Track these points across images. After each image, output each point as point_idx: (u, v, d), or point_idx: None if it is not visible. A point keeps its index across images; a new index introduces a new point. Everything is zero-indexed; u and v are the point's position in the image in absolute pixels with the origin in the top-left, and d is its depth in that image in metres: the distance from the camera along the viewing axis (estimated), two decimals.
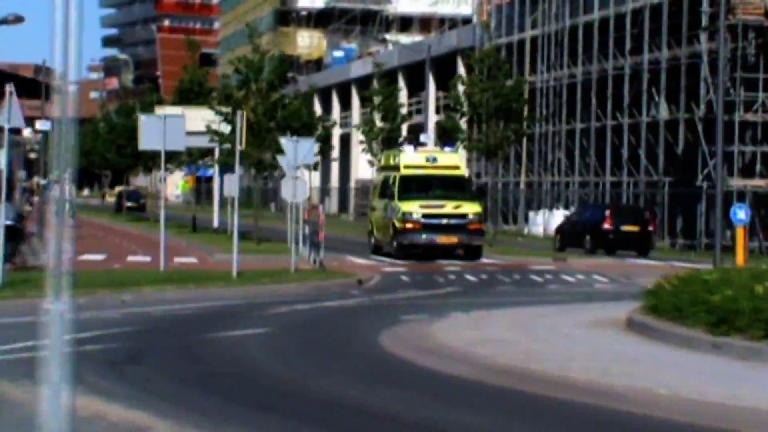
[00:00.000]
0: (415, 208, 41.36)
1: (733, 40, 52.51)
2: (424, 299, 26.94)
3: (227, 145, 47.15)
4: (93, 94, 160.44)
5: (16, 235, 31.44)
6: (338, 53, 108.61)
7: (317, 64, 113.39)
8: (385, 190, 44.54)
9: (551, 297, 27.84)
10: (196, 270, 32.11)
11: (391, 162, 46.09)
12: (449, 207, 41.77)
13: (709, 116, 52.51)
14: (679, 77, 56.35)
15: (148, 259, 38.17)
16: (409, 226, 40.94)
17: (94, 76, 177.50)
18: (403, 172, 43.49)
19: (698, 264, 39.33)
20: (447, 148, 47.25)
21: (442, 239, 41.24)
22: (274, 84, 47.73)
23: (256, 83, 47.18)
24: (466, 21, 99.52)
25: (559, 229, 51.40)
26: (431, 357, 16.68)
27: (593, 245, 46.93)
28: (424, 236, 41.06)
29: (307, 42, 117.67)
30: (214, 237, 53.38)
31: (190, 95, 61.03)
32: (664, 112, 58.52)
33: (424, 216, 41.20)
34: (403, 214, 41.20)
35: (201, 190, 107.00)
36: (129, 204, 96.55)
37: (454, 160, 45.19)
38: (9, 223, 27.83)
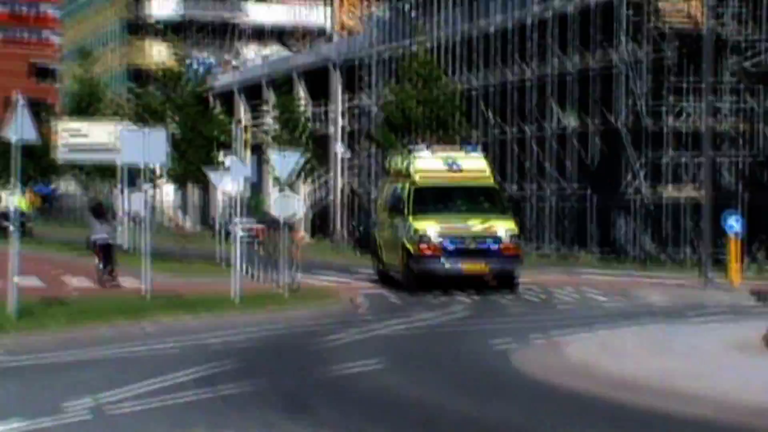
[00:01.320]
0: (432, 227, 32.36)
1: (656, 47, 51.83)
2: (461, 321, 25.08)
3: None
4: None
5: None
6: (194, 66, 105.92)
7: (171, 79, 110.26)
8: (394, 203, 35.82)
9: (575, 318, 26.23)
10: (186, 295, 29.54)
11: (402, 167, 36.59)
12: (477, 226, 32.87)
13: (634, 124, 51.88)
14: (588, 87, 55.47)
15: (90, 284, 35.48)
16: (425, 250, 32.14)
17: None
18: (418, 181, 34.32)
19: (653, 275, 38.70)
20: (470, 149, 37.28)
21: (469, 267, 32.28)
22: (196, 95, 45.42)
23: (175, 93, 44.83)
24: (321, 32, 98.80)
25: None
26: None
27: None
28: (445, 264, 32.15)
29: (160, 53, 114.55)
30: (123, 257, 50.44)
31: (81, 106, 58.34)
32: (573, 122, 57.65)
33: (445, 237, 32.46)
34: (419, 235, 32.46)
35: (46, 207, 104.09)
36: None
37: (481, 165, 35.44)
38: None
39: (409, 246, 32.55)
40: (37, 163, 73.29)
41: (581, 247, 55.37)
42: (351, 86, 75.78)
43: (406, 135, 49.39)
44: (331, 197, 75.00)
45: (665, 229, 51.12)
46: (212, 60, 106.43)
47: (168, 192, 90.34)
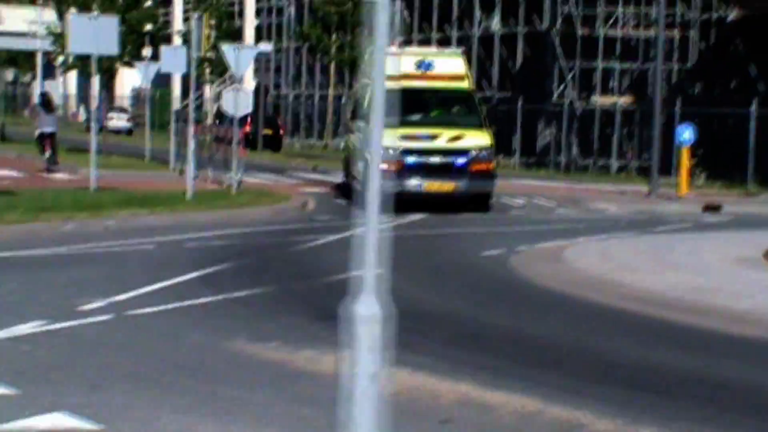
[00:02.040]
0: (392, 140, 25.80)
1: None
2: (432, 227, 24.46)
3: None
4: None
5: None
6: None
7: None
8: (359, 109, 30.19)
9: (564, 226, 25.77)
10: (130, 190, 28.52)
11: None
12: (444, 138, 28.14)
13: (566, 30, 51.40)
14: None
15: (15, 174, 34.44)
16: (384, 166, 28.56)
17: None
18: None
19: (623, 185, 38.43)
20: (448, 49, 33.50)
21: (431, 186, 27.61)
22: None
23: None
24: None
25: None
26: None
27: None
28: (405, 182, 26.98)
29: None
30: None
31: None
32: (496, 26, 57.07)
33: (406, 152, 27.36)
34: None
35: None
36: None
37: (457, 67, 30.07)
38: None
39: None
40: None
41: (505, 155, 54.98)
42: None
43: (341, 35, 48.44)
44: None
45: (593, 138, 50.86)
46: None
47: (73, 84, 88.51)
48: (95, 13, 31.06)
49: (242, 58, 28.56)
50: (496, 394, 9.76)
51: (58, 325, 11.93)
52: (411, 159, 27.45)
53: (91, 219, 22.18)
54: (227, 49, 28.94)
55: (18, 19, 47.62)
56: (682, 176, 34.17)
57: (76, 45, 27.36)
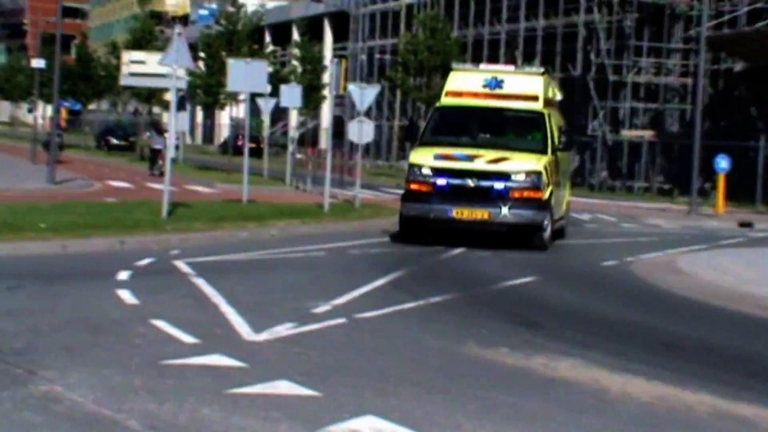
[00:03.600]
0: (427, 158, 19.94)
1: (610, 12, 50.23)
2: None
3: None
4: None
5: None
6: (203, 11, 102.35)
7: (184, 21, 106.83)
8: (416, 130, 25.16)
9: (634, 239, 24.45)
10: (274, 202, 27.35)
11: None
12: (484, 159, 19.89)
13: (598, 76, 50.26)
14: (551, 44, 53.66)
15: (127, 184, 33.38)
16: (414, 187, 19.94)
17: None
18: (443, 100, 21.99)
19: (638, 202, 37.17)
20: (528, 68, 25.06)
21: (462, 212, 19.48)
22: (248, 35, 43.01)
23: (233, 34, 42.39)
24: None
25: None
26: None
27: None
28: (434, 206, 19.57)
29: (173, 0, 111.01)
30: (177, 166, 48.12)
31: (141, 42, 55.55)
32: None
33: (438, 173, 19.72)
34: (411, 168, 20.25)
35: (72, 122, 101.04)
36: (115, 141, 71.23)
37: (532, 86, 21.53)
38: None
39: (404, 183, 21.23)
40: (95, 86, 71.14)
41: None
42: (340, 36, 73.58)
43: (419, 77, 47.30)
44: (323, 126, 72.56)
45: (621, 164, 49.77)
46: (216, 6, 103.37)
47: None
48: (248, 59, 29.89)
49: (365, 95, 27.38)
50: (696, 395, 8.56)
51: (306, 328, 10.74)
52: (442, 181, 19.51)
53: (258, 228, 21.03)
54: (353, 88, 27.76)
55: (156, 62, 46.52)
56: (719, 197, 32.83)
57: (234, 84, 26.34)
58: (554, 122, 21.29)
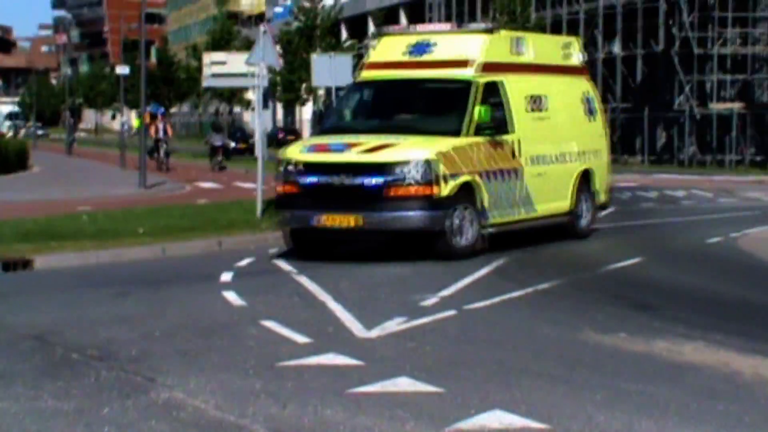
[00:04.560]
0: (298, 151, 15.87)
1: None
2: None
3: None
4: (44, 48, 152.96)
5: None
6: (278, 9, 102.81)
7: (259, 19, 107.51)
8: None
9: (732, 214, 23.89)
10: None
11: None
12: (360, 148, 15.39)
13: (683, 50, 49.41)
14: (631, 20, 52.86)
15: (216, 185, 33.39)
16: (280, 189, 15.89)
17: (45, 33, 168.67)
18: (362, 75, 17.61)
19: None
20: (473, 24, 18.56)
21: (329, 219, 15.17)
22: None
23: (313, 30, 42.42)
24: None
25: None
26: None
27: None
28: (297, 212, 15.47)
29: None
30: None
31: (221, 42, 55.99)
32: (618, 49, 55.12)
33: (305, 168, 15.50)
34: (279, 164, 15.95)
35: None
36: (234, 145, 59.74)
37: (466, 49, 16.57)
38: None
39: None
40: (177, 89, 71.98)
41: (630, 154, 53.11)
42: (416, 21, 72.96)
43: None
44: None
45: (710, 138, 48.86)
46: (290, 2, 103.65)
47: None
48: (332, 53, 29.78)
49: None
50: None
51: (417, 322, 10.57)
52: (309, 179, 15.34)
53: None
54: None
55: (238, 62, 46.48)
56: None
57: (318, 79, 26.20)
58: (510, 93, 16.49)
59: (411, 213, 14.92)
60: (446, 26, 18.09)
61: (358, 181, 14.96)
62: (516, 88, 16.77)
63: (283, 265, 14.90)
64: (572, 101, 18.24)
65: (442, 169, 15.08)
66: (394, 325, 10.39)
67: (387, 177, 14.88)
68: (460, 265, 14.59)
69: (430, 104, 16.50)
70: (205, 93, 64.61)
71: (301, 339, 9.75)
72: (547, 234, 17.53)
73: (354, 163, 15.08)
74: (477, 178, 15.63)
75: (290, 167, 15.50)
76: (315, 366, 8.74)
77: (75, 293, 12.60)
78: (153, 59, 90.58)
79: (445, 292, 12.25)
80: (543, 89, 17.39)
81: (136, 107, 71.41)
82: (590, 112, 18.62)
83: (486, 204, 15.78)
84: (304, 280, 13.23)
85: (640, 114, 52.04)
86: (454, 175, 15.24)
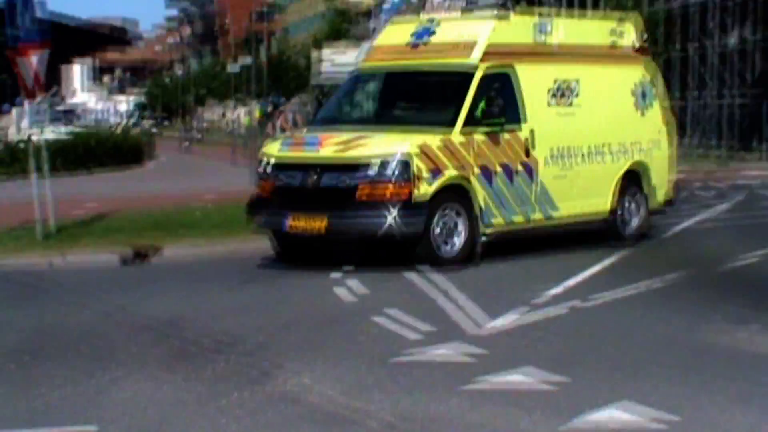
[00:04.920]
0: (276, 148, 14.53)
1: None
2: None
3: None
4: (170, 40, 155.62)
5: None
6: (386, 5, 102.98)
7: (366, 15, 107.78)
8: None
9: None
10: None
11: None
12: (334, 143, 13.89)
13: None
14: (746, 12, 51.64)
15: None
16: (258, 189, 14.60)
17: (160, 30, 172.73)
18: (361, 64, 16.86)
19: None
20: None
21: (298, 222, 13.64)
22: None
23: None
24: None
25: None
26: None
27: None
28: (268, 215, 14.10)
29: None
30: None
31: (337, 35, 56.45)
32: (734, 39, 53.99)
33: (280, 166, 14.09)
34: (259, 162, 14.64)
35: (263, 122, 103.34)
36: None
37: (471, 33, 14.87)
38: None
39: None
40: (294, 81, 72.64)
41: (744, 150, 51.89)
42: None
43: None
44: None
45: None
46: None
47: None
48: None
49: None
50: None
51: (540, 313, 10.42)
52: (282, 178, 14.02)
53: None
54: None
55: (348, 57, 46.73)
56: None
57: None
58: (525, 82, 14.77)
59: (384, 217, 13.19)
60: (456, 13, 15.95)
61: (327, 180, 13.51)
62: (533, 77, 14.96)
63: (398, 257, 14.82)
64: (617, 90, 16.24)
65: (424, 166, 13.42)
66: (517, 316, 10.26)
67: (358, 176, 13.31)
68: (580, 258, 14.32)
69: (427, 95, 15.04)
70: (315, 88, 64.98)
71: (417, 332, 9.67)
72: (660, 231, 17.10)
73: (324, 160, 13.65)
74: (472, 176, 13.90)
75: (266, 165, 14.19)
76: (432, 359, 8.65)
77: (199, 283, 12.67)
78: (268, 53, 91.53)
79: (565, 285, 12.04)
80: (573, 77, 15.52)
81: (258, 97, 71.62)
82: (644, 102, 16.56)
83: (485, 206, 14.03)
84: (417, 273, 13.10)
85: (760, 107, 50.82)
86: (438, 174, 13.56)
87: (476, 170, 13.97)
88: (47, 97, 19.17)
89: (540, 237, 15.12)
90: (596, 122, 15.76)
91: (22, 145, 27.24)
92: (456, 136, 13.88)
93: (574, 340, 9.33)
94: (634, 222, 16.26)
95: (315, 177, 13.51)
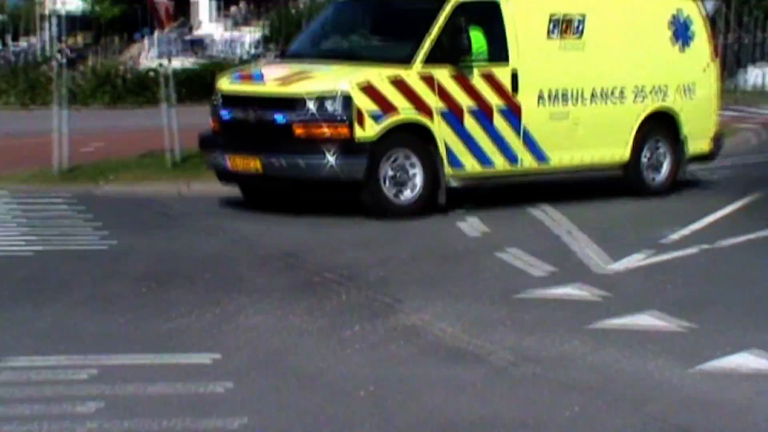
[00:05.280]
0: (227, 81, 13.40)
1: None
2: None
3: None
4: None
5: None
6: None
7: None
8: None
9: None
10: None
11: None
12: (276, 76, 12.96)
13: None
14: None
15: None
16: (210, 125, 13.46)
17: None
18: None
19: None
20: None
21: (236, 161, 12.68)
22: None
23: None
24: None
25: None
26: None
27: None
28: (214, 153, 13.13)
29: None
30: None
31: None
32: None
33: (225, 100, 13.02)
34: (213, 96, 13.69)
35: None
36: None
37: None
38: None
39: None
40: None
41: None
42: None
43: None
44: None
45: None
46: None
47: None
48: None
49: None
50: None
51: (664, 256, 10.23)
52: (226, 113, 13.01)
53: None
54: None
55: None
56: None
57: None
58: (513, 12, 13.12)
59: (321, 159, 12.05)
60: None
61: (265, 117, 12.45)
62: (526, 7, 13.35)
63: (519, 195, 14.70)
64: (647, 21, 14.26)
65: (368, 105, 12.17)
66: (640, 258, 10.11)
67: (295, 113, 12.21)
68: (705, 201, 13.97)
69: (396, 26, 13.53)
70: None
71: (541, 269, 9.62)
72: None
73: (262, 94, 12.65)
74: (435, 117, 12.51)
75: (217, 99, 13.26)
76: (556, 297, 8.60)
77: (320, 215, 12.69)
78: None
79: (691, 228, 11.78)
80: (581, 8, 13.67)
81: None
82: (682, 37, 14.43)
83: (453, 150, 12.62)
84: (543, 210, 12.99)
85: None
86: (387, 113, 12.25)
87: (440, 111, 12.54)
88: (177, 27, 19.30)
89: (548, 184, 13.89)
90: (612, 59, 13.85)
91: (151, 74, 27.58)
92: (413, 72, 12.46)
93: (702, 284, 9.17)
94: (663, 173, 14.37)
95: (254, 113, 12.57)
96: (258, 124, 12.51)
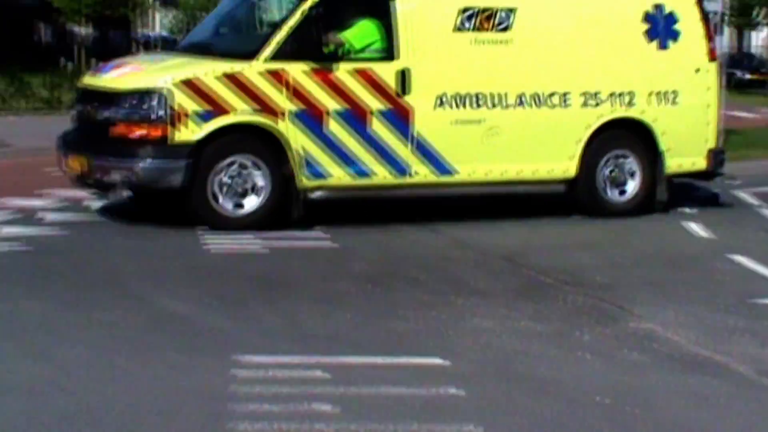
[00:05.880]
0: (90, 72, 12.97)
1: None
2: None
3: None
4: None
5: None
6: None
7: None
8: None
9: None
10: None
11: None
12: (123, 69, 11.75)
13: None
14: None
15: None
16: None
17: None
18: None
19: None
20: None
21: (69, 163, 11.62)
22: None
23: None
24: None
25: None
26: None
27: None
28: (59, 152, 12.04)
29: None
30: None
31: None
32: None
33: (78, 95, 12.35)
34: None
35: None
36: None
37: None
38: None
39: None
40: None
41: None
42: None
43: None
44: None
45: None
46: None
47: None
48: None
49: None
50: None
51: None
52: (74, 109, 12.51)
53: None
54: None
55: None
56: None
57: None
58: (401, 8, 11.49)
59: (134, 162, 10.90)
60: None
61: (94, 114, 11.39)
62: None
63: (745, 197, 14.17)
64: (607, 18, 12.21)
65: (191, 104, 10.92)
66: None
67: (115, 110, 11.09)
68: None
69: (258, 18, 12.55)
70: None
71: None
72: None
73: (92, 88, 11.61)
74: (284, 119, 11.10)
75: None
76: None
77: (539, 217, 12.39)
78: None
79: None
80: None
81: None
82: (662, 34, 12.31)
83: (310, 157, 11.19)
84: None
85: None
86: (216, 113, 10.97)
87: (291, 112, 11.14)
88: None
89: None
90: (551, 58, 11.94)
91: None
92: (254, 68, 11.11)
93: None
94: (629, 192, 12.33)
95: (88, 109, 11.51)
96: (88, 122, 11.55)
